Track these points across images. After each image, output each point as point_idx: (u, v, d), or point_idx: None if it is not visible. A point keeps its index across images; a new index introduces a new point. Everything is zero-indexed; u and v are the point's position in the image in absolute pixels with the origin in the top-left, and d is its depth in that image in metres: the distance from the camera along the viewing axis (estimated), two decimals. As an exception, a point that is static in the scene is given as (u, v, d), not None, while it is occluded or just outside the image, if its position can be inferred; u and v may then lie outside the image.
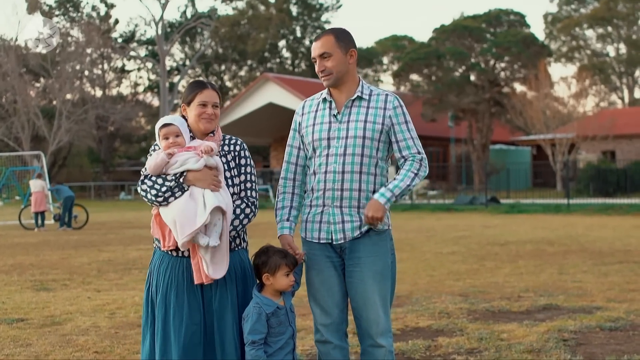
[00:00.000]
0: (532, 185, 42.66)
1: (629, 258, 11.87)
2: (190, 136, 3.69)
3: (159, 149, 3.69)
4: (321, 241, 3.84)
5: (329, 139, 3.82)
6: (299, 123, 3.96)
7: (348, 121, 3.83)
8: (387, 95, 3.91)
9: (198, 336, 3.55)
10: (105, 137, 53.15)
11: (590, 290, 8.62)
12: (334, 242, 3.82)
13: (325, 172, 3.81)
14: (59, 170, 49.89)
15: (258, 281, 3.71)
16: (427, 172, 3.89)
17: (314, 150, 3.86)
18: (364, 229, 3.80)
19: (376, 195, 3.76)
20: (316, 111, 3.92)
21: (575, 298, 8.03)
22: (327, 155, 3.82)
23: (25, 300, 8.36)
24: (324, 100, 3.92)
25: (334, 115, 3.86)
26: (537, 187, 40.95)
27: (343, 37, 3.86)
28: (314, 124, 3.88)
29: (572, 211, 25.45)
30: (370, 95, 3.89)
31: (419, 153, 3.85)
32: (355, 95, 3.86)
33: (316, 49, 3.85)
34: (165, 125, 3.64)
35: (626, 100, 65.34)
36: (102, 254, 13.45)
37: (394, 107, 3.86)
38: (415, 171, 3.81)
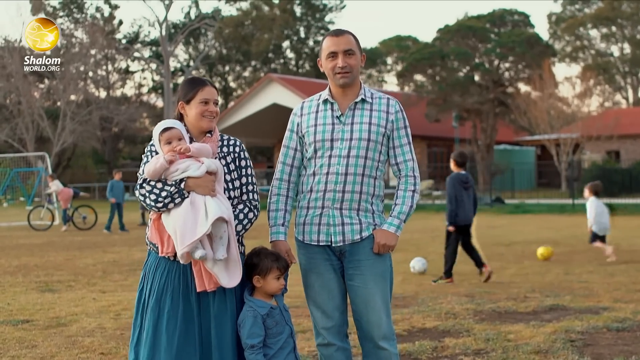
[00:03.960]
0: (537, 185, 42.55)
1: (634, 258, 11.84)
2: (189, 137, 3.61)
3: (155, 152, 3.58)
4: (320, 243, 3.79)
5: (332, 140, 3.77)
6: (298, 124, 3.90)
7: (352, 123, 3.79)
8: (388, 99, 3.90)
9: (192, 344, 3.44)
10: (110, 138, 53.15)
11: (596, 290, 8.60)
12: (333, 245, 3.78)
13: (327, 174, 3.76)
14: (63, 171, 49.86)
15: (249, 284, 3.65)
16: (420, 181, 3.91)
17: (315, 151, 3.81)
18: (365, 233, 3.77)
19: (385, 226, 3.79)
20: (317, 112, 3.87)
21: (581, 298, 8.00)
22: (330, 156, 3.77)
23: (31, 301, 8.35)
24: (325, 101, 3.87)
25: (337, 116, 3.81)
26: (542, 187, 40.87)
27: (358, 40, 3.86)
28: (315, 125, 3.82)
29: (577, 211, 25.34)
30: (372, 98, 3.87)
31: (412, 161, 3.87)
32: (359, 98, 3.83)
33: (341, 44, 3.77)
34: (167, 129, 3.54)
35: (630, 100, 65.17)
36: (106, 255, 13.45)
37: (395, 112, 3.86)
38: (413, 188, 3.85)
